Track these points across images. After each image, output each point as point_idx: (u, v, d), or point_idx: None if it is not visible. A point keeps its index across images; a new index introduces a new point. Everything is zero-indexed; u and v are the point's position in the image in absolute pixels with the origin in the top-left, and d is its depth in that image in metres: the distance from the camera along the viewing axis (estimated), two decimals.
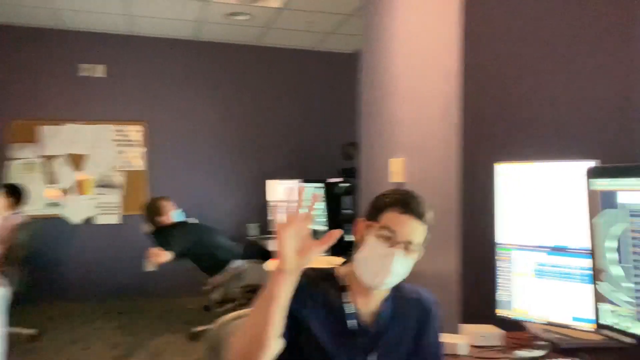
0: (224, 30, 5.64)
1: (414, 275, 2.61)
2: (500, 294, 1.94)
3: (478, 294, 2.09)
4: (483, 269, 2.03)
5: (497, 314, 1.93)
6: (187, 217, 4.71)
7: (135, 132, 5.89)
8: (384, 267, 1.31)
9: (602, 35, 2.33)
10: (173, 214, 4.51)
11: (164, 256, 4.08)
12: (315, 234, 3.92)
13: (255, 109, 6.19)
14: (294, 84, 6.26)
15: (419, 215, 1.33)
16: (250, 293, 4.36)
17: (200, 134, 6.07)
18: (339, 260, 1.48)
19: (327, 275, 1.40)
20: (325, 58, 6.29)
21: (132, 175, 5.89)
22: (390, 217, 1.33)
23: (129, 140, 5.89)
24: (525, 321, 1.90)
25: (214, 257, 4.42)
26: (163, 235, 4.33)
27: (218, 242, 4.53)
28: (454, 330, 2.03)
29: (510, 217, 1.94)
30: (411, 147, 2.74)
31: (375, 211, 1.36)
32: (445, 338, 1.77)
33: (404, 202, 1.34)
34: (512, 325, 1.92)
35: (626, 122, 2.30)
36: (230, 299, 4.41)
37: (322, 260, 3.37)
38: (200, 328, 4.44)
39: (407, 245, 1.32)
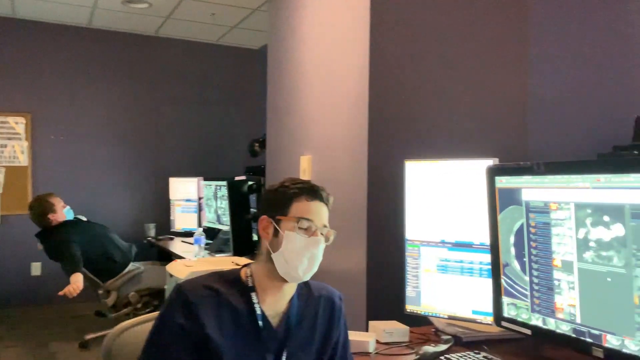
0: (121, 18, 5.31)
1: (323, 272, 2.59)
2: (409, 290, 1.97)
3: (387, 291, 2.11)
4: (392, 265, 2.06)
5: (406, 310, 1.96)
6: (75, 215, 4.36)
7: (16, 124, 5.38)
8: (312, 257, 1.31)
9: (500, 40, 2.45)
10: (65, 212, 4.15)
11: (80, 282, 3.72)
12: (220, 233, 3.77)
13: (156, 102, 5.89)
14: (197, 78, 6.03)
15: (325, 199, 1.36)
16: (148, 297, 4.14)
17: (93, 127, 5.66)
18: (243, 260, 1.42)
19: (232, 280, 1.34)
20: (231, 52, 6.14)
21: (12, 171, 5.36)
22: (302, 207, 1.32)
23: (10, 133, 5.37)
24: (432, 316, 1.94)
25: (109, 259, 4.12)
26: (56, 238, 3.96)
27: (113, 243, 4.24)
28: (363, 328, 2.03)
29: (419, 213, 1.98)
30: (319, 145, 2.72)
31: (281, 205, 1.33)
32: (353, 336, 1.77)
33: (310, 189, 1.34)
34: (419, 321, 1.96)
35: (522, 123, 2.44)
36: (126, 303, 4.15)
37: (225, 260, 3.27)
38: (92, 335, 4.16)
39: (323, 231, 1.33)
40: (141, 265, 4.31)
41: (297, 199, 1.32)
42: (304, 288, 1.40)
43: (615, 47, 2.22)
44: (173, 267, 2.79)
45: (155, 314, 1.35)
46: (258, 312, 1.30)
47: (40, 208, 4.06)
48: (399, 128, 2.28)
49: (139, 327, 1.43)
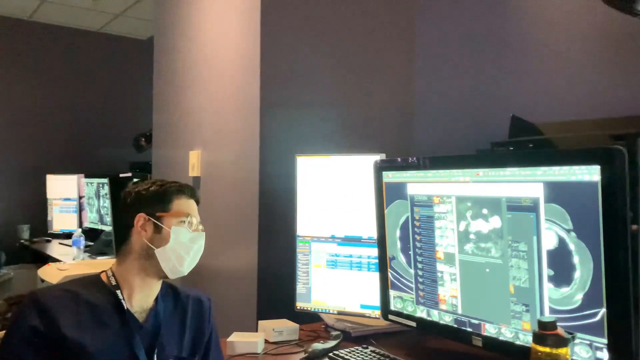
0: None
1: (212, 273, 2.49)
2: (300, 287, 1.94)
3: (279, 289, 2.06)
4: (284, 263, 2.02)
5: (297, 308, 1.93)
6: None
7: None
8: (198, 251, 1.37)
9: (388, 42, 2.50)
10: None
11: None
12: (103, 234, 3.50)
13: (30, 93, 5.39)
14: (76, 67, 5.59)
15: (199, 199, 1.42)
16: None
17: None
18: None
19: (92, 282, 1.33)
20: (116, 42, 5.77)
21: None
22: (183, 204, 1.36)
23: None
24: (321, 312, 1.92)
25: None
26: None
27: None
28: (254, 328, 1.97)
29: (310, 209, 1.95)
30: (209, 140, 2.61)
31: (162, 202, 1.35)
32: (241, 337, 1.71)
33: (188, 188, 1.40)
34: (311, 318, 1.94)
35: (406, 120, 2.51)
36: None
37: (106, 263, 3.06)
38: None
39: (200, 227, 1.39)
40: (11, 270, 3.92)
41: (178, 196, 1.36)
42: (170, 290, 1.42)
43: (492, 53, 2.34)
44: (45, 272, 2.55)
45: None
46: (125, 307, 1.28)
47: None
48: (291, 123, 2.23)
49: None
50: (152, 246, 1.30)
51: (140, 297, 1.33)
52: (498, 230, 1.36)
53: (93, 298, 1.27)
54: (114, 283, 1.31)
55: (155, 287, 1.36)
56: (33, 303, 1.21)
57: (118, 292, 1.30)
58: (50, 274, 2.42)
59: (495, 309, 1.38)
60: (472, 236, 1.43)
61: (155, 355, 1.29)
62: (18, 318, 1.22)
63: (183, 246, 1.32)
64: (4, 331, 1.31)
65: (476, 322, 1.44)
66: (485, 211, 1.39)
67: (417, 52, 2.56)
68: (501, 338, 1.37)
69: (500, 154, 1.71)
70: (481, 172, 1.40)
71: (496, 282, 1.37)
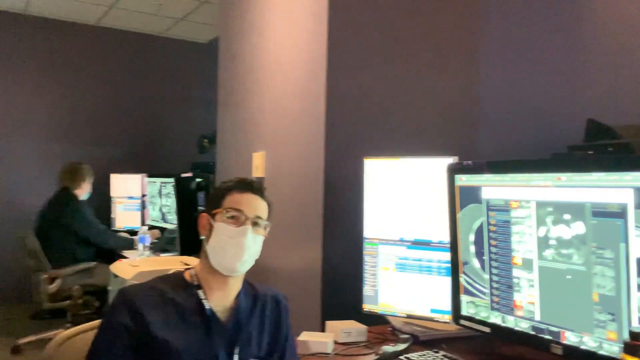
0: (59, 6, 5.05)
1: (277, 271, 2.53)
2: (367, 289, 1.95)
3: (342, 290, 2.07)
4: (348, 264, 2.03)
5: (364, 309, 1.93)
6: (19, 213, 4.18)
7: None
8: (240, 246, 1.32)
9: (454, 39, 2.47)
10: (87, 192, 4.24)
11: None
12: (165, 232, 3.61)
13: (97, 95, 5.63)
14: (140, 71, 5.81)
15: (259, 191, 1.39)
16: (90, 296, 3.95)
17: (29, 121, 5.35)
18: (192, 259, 1.41)
19: (176, 280, 1.37)
20: (178, 45, 5.95)
21: None
22: (233, 199, 1.36)
23: None
24: (389, 315, 1.92)
25: (77, 249, 4.03)
26: (75, 207, 3.99)
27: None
28: (317, 328, 1.99)
29: (378, 211, 1.96)
30: (273, 141, 2.66)
31: (216, 199, 1.37)
32: (311, 336, 1.73)
33: (242, 182, 1.39)
34: (375, 320, 1.94)
35: (473, 122, 2.47)
36: (66, 296, 3.92)
37: (173, 260, 3.15)
38: (26, 339, 3.91)
39: (255, 221, 1.35)
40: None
41: (229, 192, 1.36)
42: (250, 287, 1.43)
43: (565, 49, 2.28)
44: (118, 267, 2.66)
45: (97, 322, 1.33)
46: (207, 307, 1.31)
47: (76, 173, 4.16)
48: (356, 125, 2.25)
49: (82, 335, 1.36)
50: (205, 243, 1.35)
51: (219, 296, 1.35)
52: (581, 237, 1.32)
53: (178, 297, 1.31)
54: (195, 283, 1.34)
55: (233, 285, 1.37)
56: (124, 301, 1.26)
57: (200, 291, 1.33)
58: (122, 270, 2.53)
59: (577, 317, 1.34)
60: (552, 242, 1.40)
61: (235, 355, 1.30)
62: (109, 316, 1.27)
63: (223, 242, 1.32)
64: (78, 327, 1.38)
65: (555, 329, 1.40)
66: (567, 217, 1.36)
67: (482, 51, 2.51)
68: (583, 347, 1.33)
69: (584, 159, 1.66)
70: (564, 176, 1.37)
71: (578, 289, 1.33)
